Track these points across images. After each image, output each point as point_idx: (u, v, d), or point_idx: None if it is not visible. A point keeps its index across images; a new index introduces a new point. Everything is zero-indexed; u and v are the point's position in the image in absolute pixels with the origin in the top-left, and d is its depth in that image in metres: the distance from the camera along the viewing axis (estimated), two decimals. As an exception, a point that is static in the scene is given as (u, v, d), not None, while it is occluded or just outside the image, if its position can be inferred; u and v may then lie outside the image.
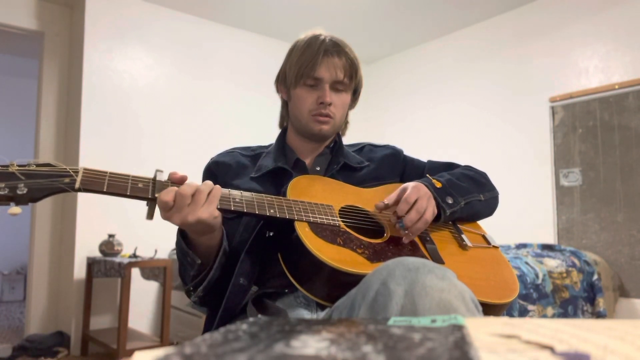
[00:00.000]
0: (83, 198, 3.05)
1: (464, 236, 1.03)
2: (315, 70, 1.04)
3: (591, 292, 2.62)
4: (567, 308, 2.45)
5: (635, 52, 2.88)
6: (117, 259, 2.79)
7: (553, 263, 2.53)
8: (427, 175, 1.06)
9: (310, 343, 0.31)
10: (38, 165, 0.74)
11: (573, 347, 0.30)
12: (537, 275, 2.35)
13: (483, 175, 1.15)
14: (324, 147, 1.14)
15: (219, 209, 0.82)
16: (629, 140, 2.86)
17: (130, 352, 2.46)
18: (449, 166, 1.19)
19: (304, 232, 0.82)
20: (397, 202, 0.95)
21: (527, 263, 2.41)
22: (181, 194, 0.78)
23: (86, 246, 3.07)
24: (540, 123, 3.27)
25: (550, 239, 3.15)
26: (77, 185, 0.73)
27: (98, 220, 3.09)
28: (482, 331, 0.34)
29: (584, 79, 3.09)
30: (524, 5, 3.44)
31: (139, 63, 3.39)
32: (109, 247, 2.91)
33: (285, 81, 1.11)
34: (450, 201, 0.99)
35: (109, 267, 2.80)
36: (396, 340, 0.32)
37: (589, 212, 2.99)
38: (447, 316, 0.38)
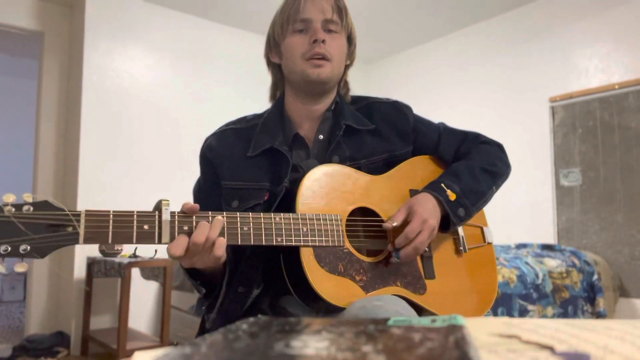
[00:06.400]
0: (83, 197, 3.05)
1: (462, 238, 1.02)
2: (301, 12, 0.97)
3: (591, 292, 2.62)
4: (567, 308, 2.45)
5: (635, 52, 2.88)
6: (117, 259, 2.79)
7: (553, 263, 2.53)
8: (443, 184, 0.97)
9: (310, 343, 0.31)
10: (35, 207, 0.68)
11: (573, 347, 0.30)
12: (537, 275, 2.35)
13: (499, 155, 1.09)
14: (325, 110, 1.03)
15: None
16: (629, 140, 2.86)
17: (130, 352, 2.45)
18: (465, 138, 1.12)
19: (307, 260, 0.84)
20: (404, 222, 0.92)
21: (527, 263, 2.41)
22: (194, 242, 0.75)
23: (86, 246, 3.07)
24: (540, 123, 3.27)
25: (550, 239, 3.14)
26: (80, 240, 0.70)
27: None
28: (482, 331, 0.34)
29: (584, 79, 3.09)
30: (524, 6, 3.44)
31: (139, 63, 3.39)
32: (109, 247, 2.91)
33: (274, 40, 1.04)
34: (461, 214, 0.95)
35: (109, 267, 2.80)
36: (396, 340, 0.32)
37: (589, 212, 2.99)
38: (447, 316, 0.38)
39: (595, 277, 2.65)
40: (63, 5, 3.41)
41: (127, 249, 3.06)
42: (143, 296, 3.25)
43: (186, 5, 3.50)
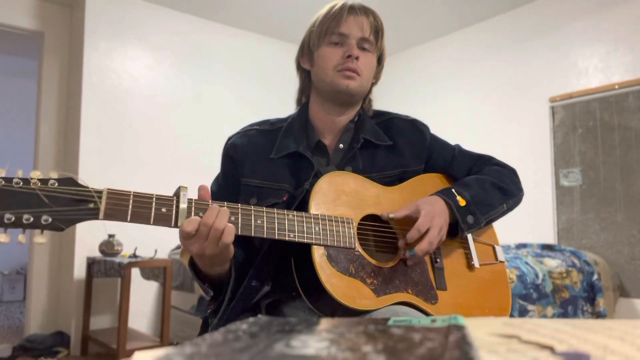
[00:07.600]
0: (83, 198, 3.05)
1: (473, 253, 1.02)
2: (341, 26, 1.00)
3: (591, 292, 2.62)
4: (567, 308, 2.45)
5: (635, 52, 2.88)
6: (117, 259, 2.79)
7: (553, 263, 2.53)
8: (453, 189, 0.99)
9: (310, 343, 0.31)
10: (60, 182, 0.71)
11: (573, 347, 0.30)
12: (537, 275, 2.35)
13: (511, 178, 1.10)
14: (349, 121, 1.06)
15: (240, 235, 0.81)
16: (629, 140, 2.86)
17: (130, 352, 2.45)
18: (478, 160, 1.14)
19: (319, 258, 0.84)
20: (406, 218, 0.93)
21: (527, 263, 2.41)
22: (205, 223, 0.76)
23: (86, 246, 3.07)
24: (540, 123, 3.27)
25: (550, 239, 3.14)
26: (101, 215, 0.72)
27: (98, 220, 3.09)
28: (482, 331, 0.34)
29: (584, 79, 3.09)
30: (524, 5, 3.44)
31: (139, 63, 3.39)
32: (109, 247, 2.91)
33: (309, 47, 1.06)
34: (470, 221, 0.96)
35: (109, 267, 2.80)
36: (396, 340, 0.32)
37: (589, 212, 2.99)
38: (447, 316, 0.38)
39: (595, 277, 2.65)
40: (63, 5, 3.41)
41: (126, 249, 3.06)
42: (143, 296, 3.25)
43: (186, 5, 3.50)
